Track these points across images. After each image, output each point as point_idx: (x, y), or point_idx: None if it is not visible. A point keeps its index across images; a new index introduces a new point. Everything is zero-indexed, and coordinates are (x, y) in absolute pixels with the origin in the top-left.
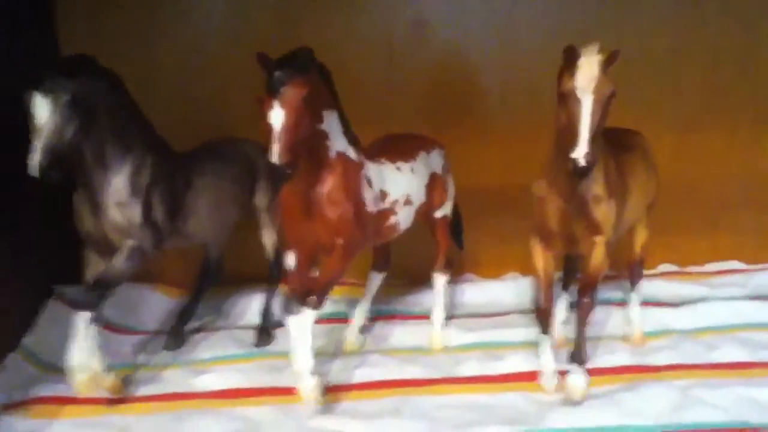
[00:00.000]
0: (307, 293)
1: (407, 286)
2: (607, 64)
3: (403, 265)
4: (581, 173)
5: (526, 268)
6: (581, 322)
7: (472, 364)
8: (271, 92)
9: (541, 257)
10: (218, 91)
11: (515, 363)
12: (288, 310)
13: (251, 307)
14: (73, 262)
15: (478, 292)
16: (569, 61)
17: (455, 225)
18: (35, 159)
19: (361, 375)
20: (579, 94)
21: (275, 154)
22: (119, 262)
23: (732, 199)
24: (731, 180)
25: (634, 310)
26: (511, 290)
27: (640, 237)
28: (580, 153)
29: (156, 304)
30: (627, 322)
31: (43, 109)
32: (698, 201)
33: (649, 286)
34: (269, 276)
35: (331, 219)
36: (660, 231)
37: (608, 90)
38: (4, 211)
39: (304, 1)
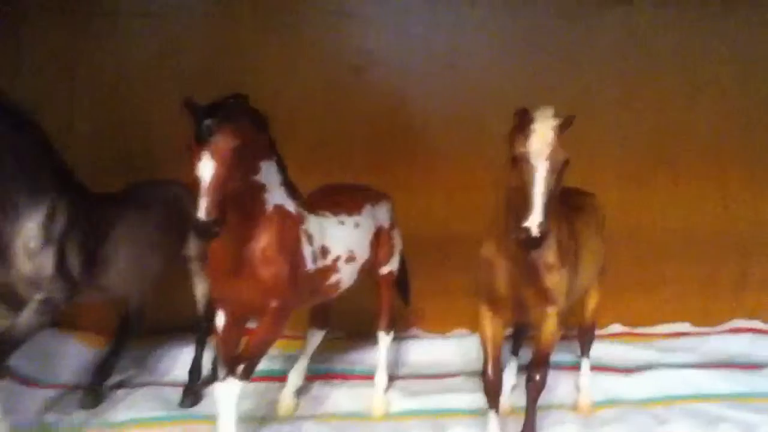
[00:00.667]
0: (235, 359)
1: (347, 342)
2: (561, 129)
3: (343, 319)
4: (533, 245)
5: (473, 323)
6: (531, 401)
7: None
8: (200, 141)
9: (489, 325)
10: (143, 127)
11: None
12: (215, 375)
13: (179, 361)
14: None
15: (422, 351)
16: (522, 123)
17: (401, 279)
18: None
19: None
20: (533, 159)
21: (202, 210)
22: (26, 317)
23: (677, 253)
24: (674, 234)
25: (584, 377)
26: (457, 349)
27: (592, 301)
28: (534, 222)
29: (73, 354)
30: (576, 388)
31: None
32: (644, 255)
33: (598, 348)
34: (198, 330)
35: (264, 278)
36: (607, 287)
37: (563, 156)
38: None
39: (238, 35)
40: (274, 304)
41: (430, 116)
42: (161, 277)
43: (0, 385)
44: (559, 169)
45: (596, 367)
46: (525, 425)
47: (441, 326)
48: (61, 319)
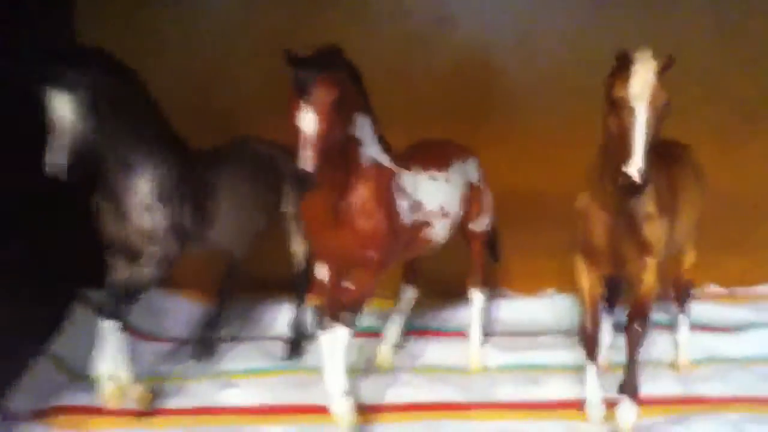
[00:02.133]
0: (339, 308)
1: (440, 301)
2: (662, 71)
3: (435, 278)
4: (634, 191)
5: (563, 284)
6: (632, 352)
7: (510, 388)
8: (300, 93)
9: (585, 277)
10: (233, 87)
11: (556, 389)
12: (319, 325)
13: (280, 317)
14: (98, 264)
15: (513, 310)
16: (621, 66)
17: (491, 237)
18: (53, 158)
19: (393, 395)
20: (633, 102)
21: (305, 161)
22: (144, 269)
23: None
24: None
25: (682, 334)
26: (548, 309)
27: (689, 256)
28: (635, 168)
29: (181, 311)
30: (673, 346)
31: (60, 106)
32: (739, 215)
33: (695, 308)
34: (298, 286)
35: (362, 230)
36: (702, 247)
37: (663, 99)
38: (24, 213)
39: None
40: (372, 255)
41: (517, 71)
42: (261, 232)
43: (122, 335)
44: (660, 113)
45: (694, 327)
46: (627, 375)
47: (530, 286)
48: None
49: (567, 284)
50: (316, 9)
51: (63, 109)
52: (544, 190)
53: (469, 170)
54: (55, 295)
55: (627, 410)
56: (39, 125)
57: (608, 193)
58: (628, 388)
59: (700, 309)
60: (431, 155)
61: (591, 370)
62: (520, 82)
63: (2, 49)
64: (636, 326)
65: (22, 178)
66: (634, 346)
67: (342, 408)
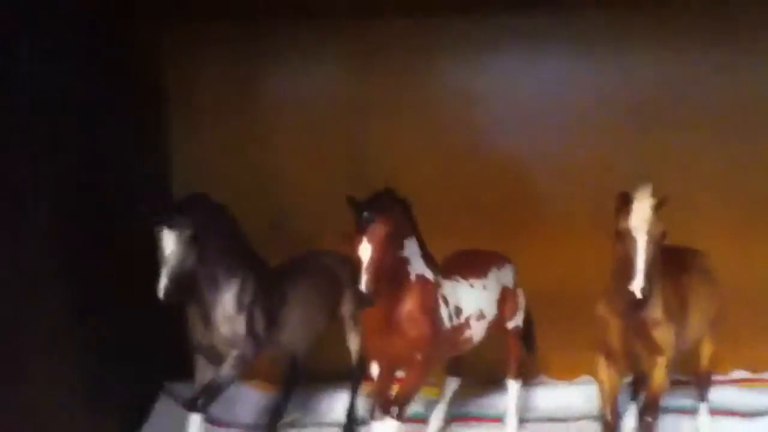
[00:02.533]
0: (390, 402)
1: (480, 388)
2: (658, 206)
3: (475, 367)
4: (637, 305)
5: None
6: None
7: None
8: (360, 230)
9: (605, 373)
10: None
11: None
12: (372, 415)
13: (336, 405)
14: (182, 359)
15: (549, 396)
16: (624, 203)
17: (527, 332)
18: (162, 284)
19: None
20: (634, 233)
21: (363, 283)
22: (226, 369)
23: None
24: None
25: (703, 421)
26: (582, 394)
27: (707, 350)
28: (637, 286)
29: (249, 400)
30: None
31: (169, 243)
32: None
33: (720, 393)
34: (352, 378)
35: (410, 336)
36: (727, 335)
37: (660, 229)
38: (124, 308)
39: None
40: (419, 356)
41: (551, 182)
42: (323, 332)
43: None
44: (657, 240)
45: (718, 411)
46: None
47: (566, 374)
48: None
49: None
50: (379, 137)
51: (170, 244)
52: (577, 288)
53: (504, 276)
54: (140, 386)
55: None
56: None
57: (620, 302)
58: None
59: (724, 394)
60: (471, 265)
61: None
62: (553, 194)
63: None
64: (647, 418)
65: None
66: None
67: None
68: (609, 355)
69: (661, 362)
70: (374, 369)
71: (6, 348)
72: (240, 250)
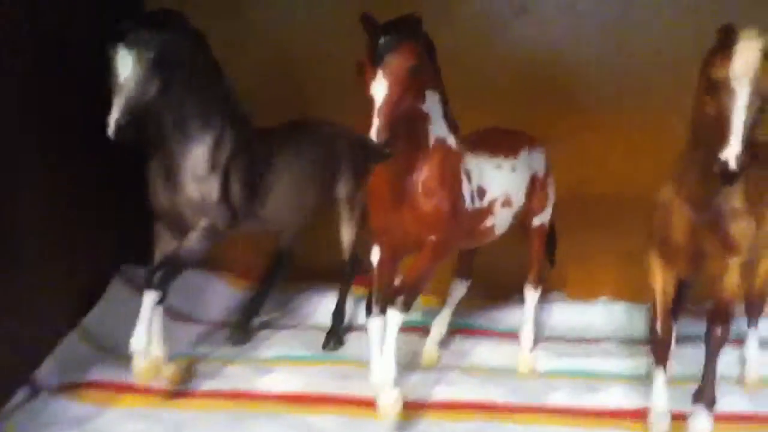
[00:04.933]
0: (392, 293)
1: (488, 301)
2: None
3: (483, 278)
4: (729, 179)
5: (618, 291)
6: (712, 359)
7: (564, 393)
8: (375, 60)
9: (660, 278)
10: (304, 61)
11: (614, 397)
12: (368, 310)
13: (320, 307)
14: (141, 242)
15: (566, 314)
16: (724, 43)
17: (549, 238)
18: (113, 118)
19: (440, 393)
20: (735, 83)
21: (374, 130)
22: (192, 241)
23: None
24: None
25: (752, 349)
26: (603, 315)
27: (764, 266)
28: (732, 153)
29: (220, 294)
30: (741, 362)
31: (125, 64)
32: None
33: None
34: (343, 275)
35: (425, 212)
36: None
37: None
38: (71, 182)
39: None
40: (433, 237)
41: (590, 64)
42: (312, 215)
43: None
44: (764, 97)
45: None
46: (704, 384)
47: (584, 291)
48: (211, 260)
49: (623, 291)
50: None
51: (126, 67)
52: (606, 192)
53: (535, 161)
54: (92, 269)
55: (702, 422)
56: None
57: (694, 185)
58: (705, 397)
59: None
60: (498, 142)
61: (659, 378)
62: (592, 76)
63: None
64: (717, 329)
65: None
66: (713, 352)
67: (389, 398)
68: (667, 255)
69: (734, 263)
70: (376, 254)
71: None
72: (219, 95)
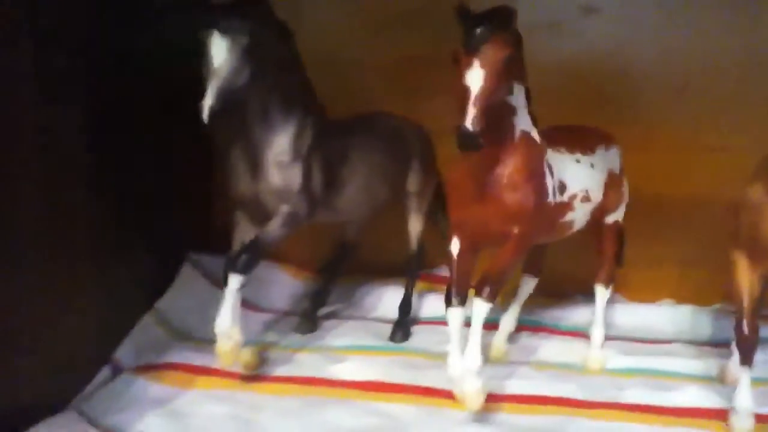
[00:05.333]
0: (481, 281)
1: (551, 300)
2: None
3: (545, 278)
4: None
5: (679, 295)
6: None
7: (638, 391)
8: (471, 49)
9: (747, 276)
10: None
11: (690, 396)
12: (448, 302)
13: (384, 299)
14: (206, 231)
15: (631, 315)
16: None
17: (619, 238)
18: (208, 102)
19: (512, 387)
20: None
21: (469, 120)
22: (274, 226)
23: None
24: None
25: None
26: (668, 318)
27: None
28: None
29: (283, 284)
30: None
31: (220, 50)
32: None
33: None
34: (409, 268)
35: (510, 205)
36: None
37: None
38: (143, 174)
39: None
40: (516, 230)
41: (656, 68)
42: (382, 209)
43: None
44: None
45: None
46: None
47: (645, 295)
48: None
49: (686, 295)
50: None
51: (222, 52)
52: (668, 196)
53: (611, 158)
54: (162, 257)
55: None
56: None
57: None
58: None
59: None
60: (576, 138)
61: (745, 377)
62: (658, 81)
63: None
64: None
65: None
66: None
67: (474, 389)
68: (755, 253)
69: None
70: (455, 246)
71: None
72: (300, 85)
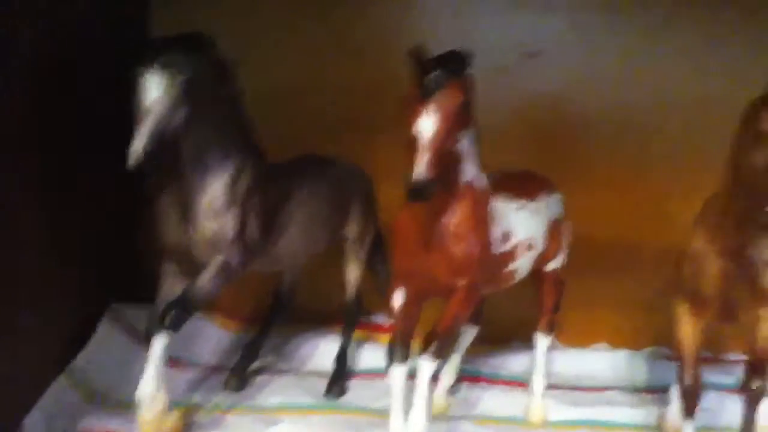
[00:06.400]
0: (428, 337)
1: (489, 347)
2: None
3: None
4: None
5: (615, 338)
6: (751, 415)
7: None
8: (426, 95)
9: (688, 327)
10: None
11: None
12: (391, 358)
13: (320, 350)
14: (132, 280)
15: (567, 362)
16: None
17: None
18: (139, 144)
19: None
20: None
21: (420, 169)
22: (205, 279)
23: None
24: None
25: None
26: (604, 363)
27: None
28: None
29: (212, 336)
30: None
31: (156, 87)
32: None
33: None
34: (346, 317)
35: (455, 255)
36: None
37: None
38: (65, 217)
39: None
40: (464, 282)
41: (598, 113)
42: (320, 255)
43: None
44: None
45: None
46: None
47: (580, 339)
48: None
49: (621, 339)
50: (399, 30)
51: (158, 89)
52: (604, 239)
53: (553, 205)
54: (81, 308)
55: None
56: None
57: (728, 235)
58: None
59: None
60: (518, 184)
61: (688, 428)
62: (600, 124)
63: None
64: (755, 385)
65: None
66: (752, 407)
67: None
68: (697, 303)
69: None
70: (398, 298)
71: None
72: (240, 126)
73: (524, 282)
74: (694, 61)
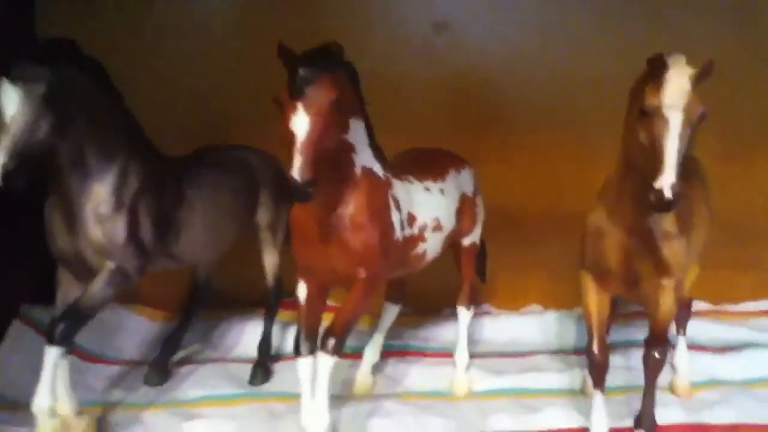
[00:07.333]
0: (325, 333)
1: (418, 318)
2: (699, 79)
3: (414, 294)
4: (665, 208)
5: (546, 300)
6: (651, 381)
7: (504, 417)
8: (295, 94)
9: (593, 298)
10: (218, 88)
11: (555, 417)
12: (298, 350)
13: (244, 336)
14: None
15: (498, 328)
16: (654, 72)
17: (480, 255)
18: (2, 161)
19: (376, 427)
20: (666, 112)
21: (297, 170)
22: (97, 287)
23: None
24: None
25: (682, 357)
26: (534, 327)
27: (692, 275)
28: (666, 183)
29: (135, 330)
30: (671, 369)
31: (11, 101)
32: (740, 234)
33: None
34: (268, 303)
35: (353, 247)
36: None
37: (699, 110)
38: None
39: None
40: (363, 274)
41: (516, 85)
42: (230, 246)
43: (66, 360)
44: (695, 124)
45: (689, 347)
46: (644, 407)
47: (513, 303)
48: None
49: (552, 301)
50: (308, 14)
51: (13, 104)
52: (530, 206)
53: (464, 181)
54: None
55: None
56: None
57: (626, 210)
58: (646, 420)
59: (692, 327)
60: (425, 164)
61: (598, 399)
62: (521, 98)
63: None
64: (655, 353)
65: None
66: (652, 375)
67: None
68: (601, 276)
69: (668, 285)
70: (302, 290)
71: None
72: (121, 127)
73: (450, 252)
74: (612, 33)
